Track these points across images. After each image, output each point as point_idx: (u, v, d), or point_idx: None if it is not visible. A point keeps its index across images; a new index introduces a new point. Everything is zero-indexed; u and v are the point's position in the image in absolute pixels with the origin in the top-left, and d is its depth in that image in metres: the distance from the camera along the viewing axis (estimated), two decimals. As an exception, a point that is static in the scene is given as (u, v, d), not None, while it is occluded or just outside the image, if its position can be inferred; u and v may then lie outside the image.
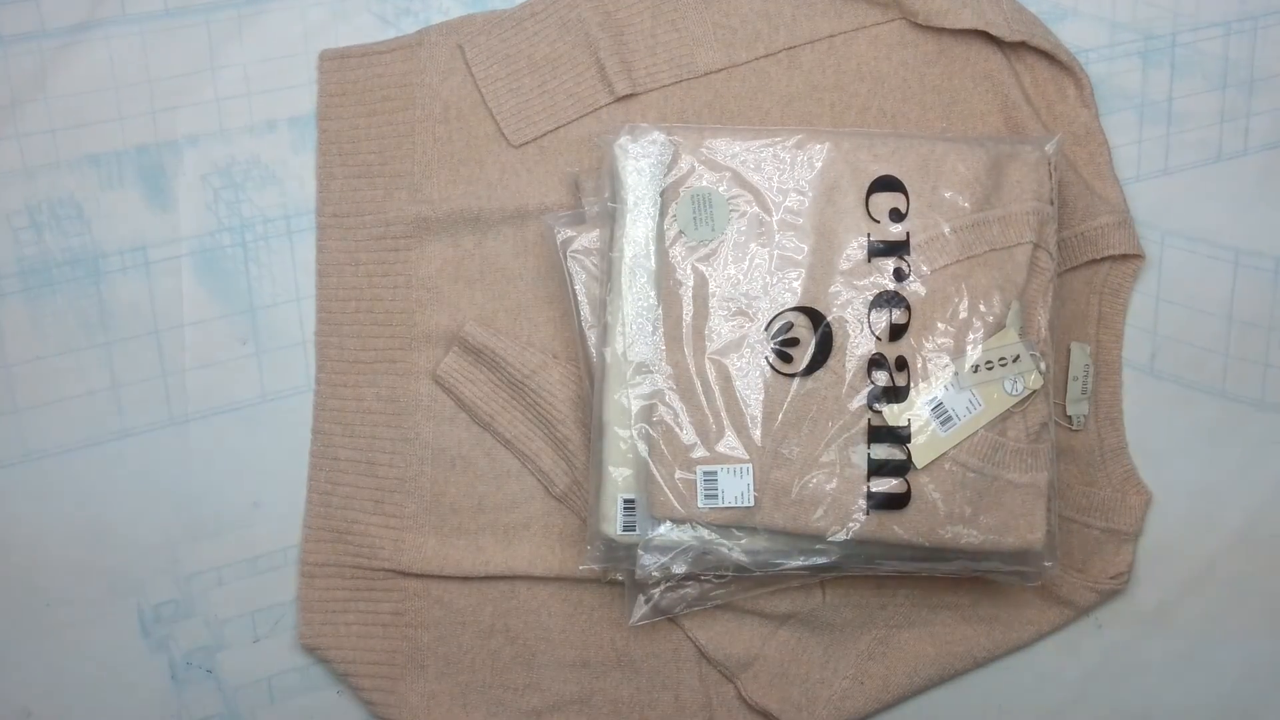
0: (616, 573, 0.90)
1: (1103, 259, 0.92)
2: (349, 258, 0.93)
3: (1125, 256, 0.93)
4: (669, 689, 0.92)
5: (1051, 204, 0.87)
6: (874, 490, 0.83)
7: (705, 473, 0.83)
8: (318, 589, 0.92)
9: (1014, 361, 0.84)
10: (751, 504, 0.83)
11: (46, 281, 0.92)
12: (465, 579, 0.92)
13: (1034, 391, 0.84)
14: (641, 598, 0.89)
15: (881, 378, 0.84)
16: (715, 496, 0.83)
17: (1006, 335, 0.84)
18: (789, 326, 0.84)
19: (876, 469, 0.83)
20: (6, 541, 0.91)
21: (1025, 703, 0.93)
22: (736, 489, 0.83)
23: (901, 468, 0.83)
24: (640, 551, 0.85)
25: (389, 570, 0.92)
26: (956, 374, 0.84)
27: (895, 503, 0.83)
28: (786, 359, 0.84)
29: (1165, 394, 0.94)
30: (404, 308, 0.93)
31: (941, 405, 0.83)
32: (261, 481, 0.93)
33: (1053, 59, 0.93)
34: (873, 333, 0.84)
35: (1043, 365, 0.84)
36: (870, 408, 0.83)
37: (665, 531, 0.84)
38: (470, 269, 0.93)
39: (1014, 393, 0.84)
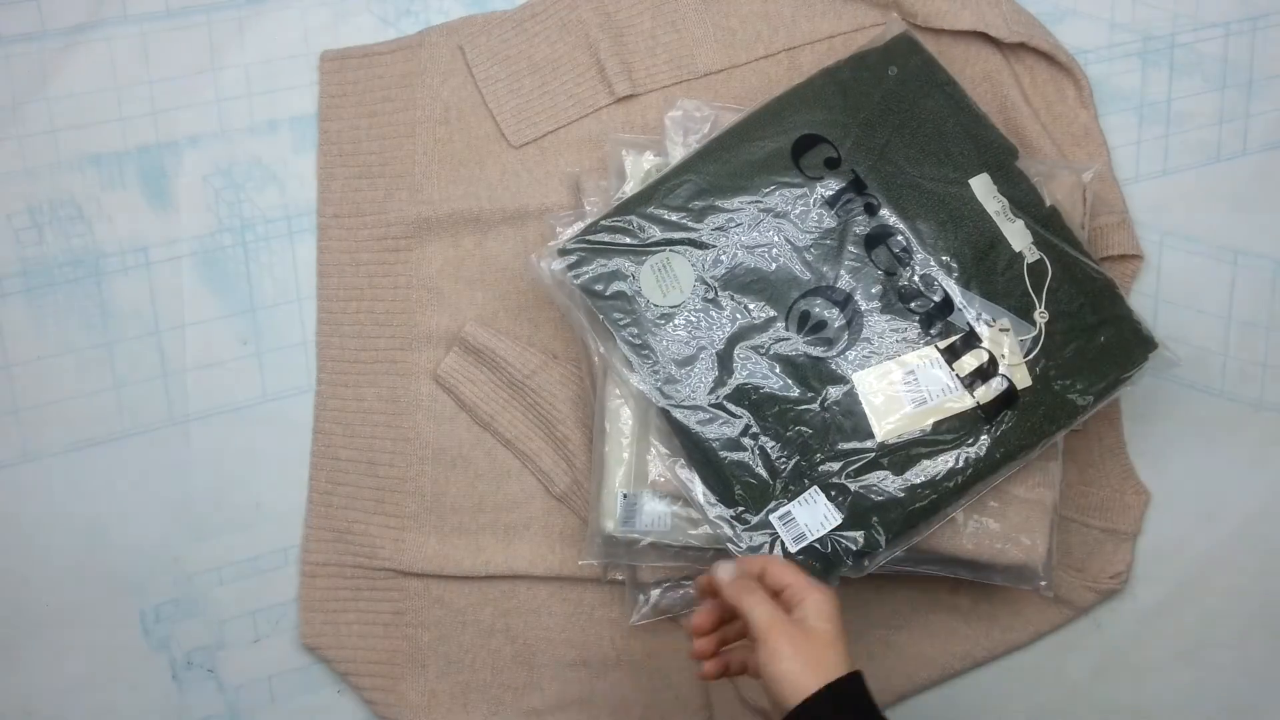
0: (616, 572, 0.90)
1: (1102, 259, 0.92)
2: (349, 258, 0.93)
3: (1125, 256, 0.93)
4: (669, 688, 0.92)
5: (1082, 228, 0.87)
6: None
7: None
8: (318, 588, 0.92)
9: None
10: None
11: (48, 282, 0.92)
12: (466, 579, 0.92)
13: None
14: (641, 598, 0.89)
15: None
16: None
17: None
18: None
19: None
20: (6, 541, 0.91)
21: (1025, 703, 0.93)
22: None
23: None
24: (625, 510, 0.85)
25: (390, 570, 0.92)
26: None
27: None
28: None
29: (1164, 394, 0.94)
30: (404, 308, 0.93)
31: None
32: (262, 481, 0.93)
33: (1052, 60, 0.93)
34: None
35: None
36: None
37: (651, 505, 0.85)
38: (470, 269, 0.93)
39: None
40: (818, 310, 0.84)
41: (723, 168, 0.86)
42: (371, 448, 0.93)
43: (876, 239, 0.84)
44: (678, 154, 0.88)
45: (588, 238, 0.85)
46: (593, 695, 0.92)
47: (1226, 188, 0.95)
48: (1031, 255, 0.84)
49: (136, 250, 0.92)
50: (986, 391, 0.83)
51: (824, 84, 0.87)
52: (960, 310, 0.83)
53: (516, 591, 0.92)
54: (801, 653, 0.70)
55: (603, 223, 0.85)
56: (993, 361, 0.83)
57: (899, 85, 0.86)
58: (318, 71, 0.94)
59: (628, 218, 0.85)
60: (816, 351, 0.84)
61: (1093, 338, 0.84)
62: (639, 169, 0.89)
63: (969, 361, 0.83)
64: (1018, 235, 0.84)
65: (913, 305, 0.83)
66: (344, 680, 0.92)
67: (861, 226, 0.84)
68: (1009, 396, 0.82)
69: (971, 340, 0.83)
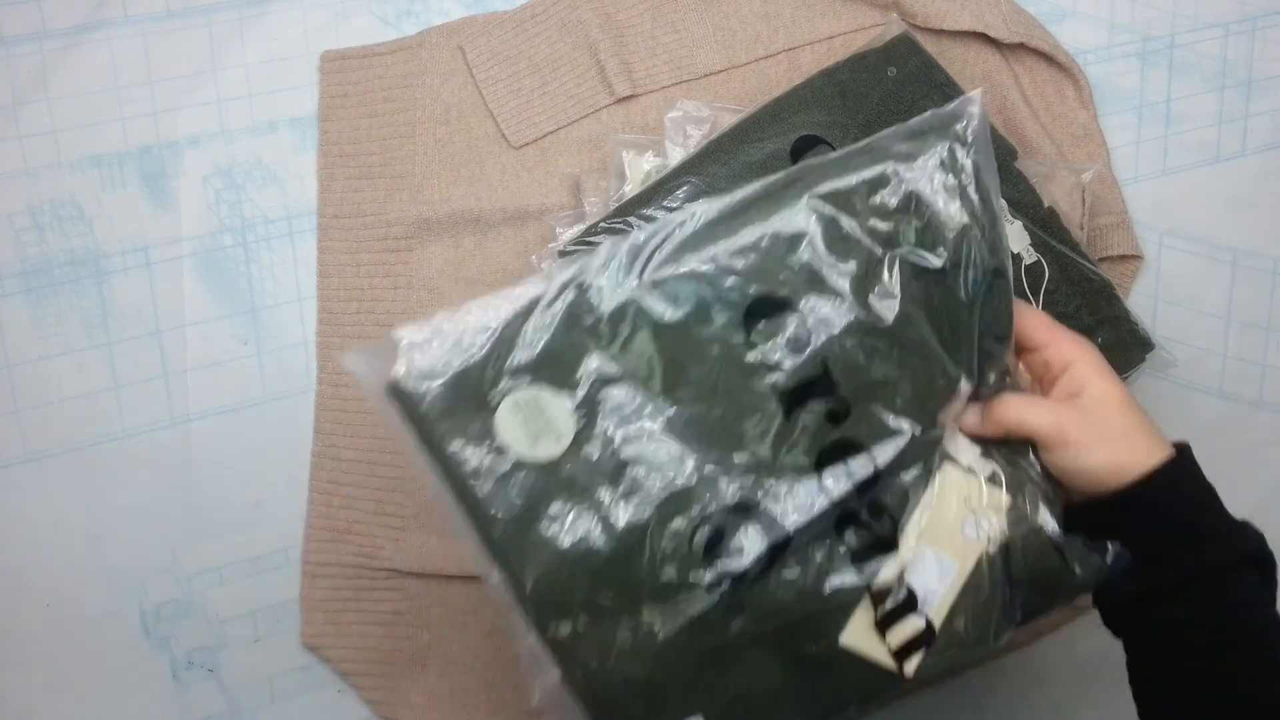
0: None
1: (1101, 259, 0.93)
2: (350, 258, 0.94)
3: (1124, 257, 0.93)
4: (669, 688, 0.92)
5: (1081, 228, 0.87)
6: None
7: None
8: (319, 588, 0.92)
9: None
10: None
11: (48, 282, 0.92)
12: (467, 579, 0.92)
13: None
14: None
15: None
16: None
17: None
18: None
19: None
20: (6, 541, 0.91)
21: (1026, 702, 0.94)
22: None
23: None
24: None
25: (390, 570, 0.92)
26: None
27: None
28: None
29: (1164, 394, 0.94)
30: (405, 308, 0.93)
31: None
32: (262, 481, 0.93)
33: (1051, 60, 0.93)
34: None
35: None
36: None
37: None
38: (471, 270, 0.93)
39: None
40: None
41: (722, 169, 0.86)
42: (372, 448, 0.93)
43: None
44: (677, 155, 0.88)
45: (587, 239, 0.85)
46: (593, 695, 0.92)
47: (1226, 188, 0.95)
48: (1029, 257, 0.84)
49: (137, 250, 0.93)
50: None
51: (823, 85, 0.87)
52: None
53: (516, 591, 0.92)
54: (1109, 438, 0.65)
55: (602, 225, 0.85)
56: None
57: (898, 86, 0.87)
58: (318, 72, 0.94)
59: (626, 219, 0.85)
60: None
61: (1090, 339, 0.84)
62: (639, 170, 0.89)
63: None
64: (1015, 237, 0.84)
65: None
66: (344, 680, 0.92)
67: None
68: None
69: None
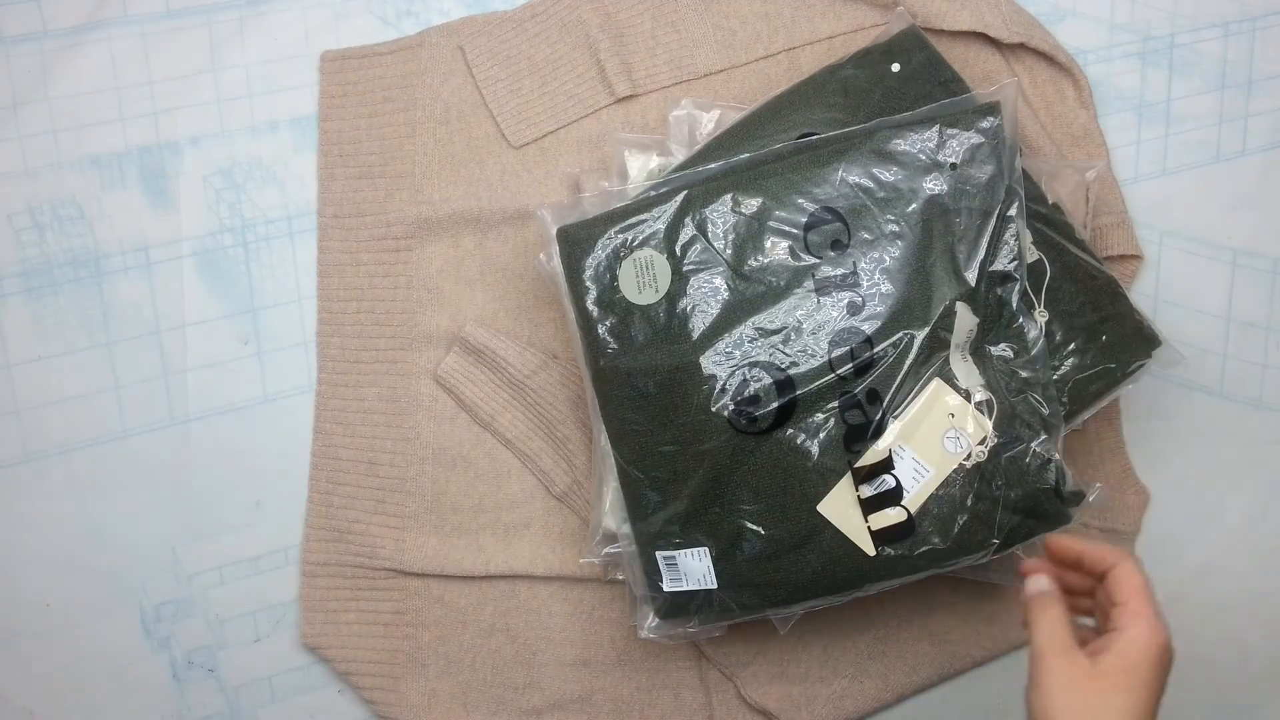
0: (617, 571, 0.90)
1: (1102, 259, 0.92)
2: (350, 258, 0.94)
3: (1124, 257, 0.93)
4: (669, 688, 0.92)
5: (1085, 226, 0.87)
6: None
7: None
8: (319, 588, 0.92)
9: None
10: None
11: (48, 282, 0.92)
12: (466, 578, 0.92)
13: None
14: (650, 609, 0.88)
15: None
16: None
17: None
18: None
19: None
20: (6, 541, 0.91)
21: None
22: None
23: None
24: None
25: (390, 569, 0.92)
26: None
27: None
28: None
29: (1164, 394, 0.94)
30: (405, 308, 0.93)
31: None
32: (262, 481, 0.93)
33: (1051, 60, 0.93)
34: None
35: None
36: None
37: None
38: (471, 269, 0.93)
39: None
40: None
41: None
42: (372, 448, 0.93)
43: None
44: (680, 154, 0.88)
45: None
46: (593, 695, 0.92)
47: (1226, 188, 0.95)
48: (1031, 255, 0.84)
49: (137, 250, 0.93)
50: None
51: (825, 81, 0.87)
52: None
53: (517, 591, 0.92)
54: (1073, 698, 0.59)
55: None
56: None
57: (900, 83, 0.86)
58: (318, 71, 0.94)
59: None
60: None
61: (1094, 336, 0.83)
62: (644, 169, 0.89)
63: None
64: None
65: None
66: (344, 680, 0.92)
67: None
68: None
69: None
